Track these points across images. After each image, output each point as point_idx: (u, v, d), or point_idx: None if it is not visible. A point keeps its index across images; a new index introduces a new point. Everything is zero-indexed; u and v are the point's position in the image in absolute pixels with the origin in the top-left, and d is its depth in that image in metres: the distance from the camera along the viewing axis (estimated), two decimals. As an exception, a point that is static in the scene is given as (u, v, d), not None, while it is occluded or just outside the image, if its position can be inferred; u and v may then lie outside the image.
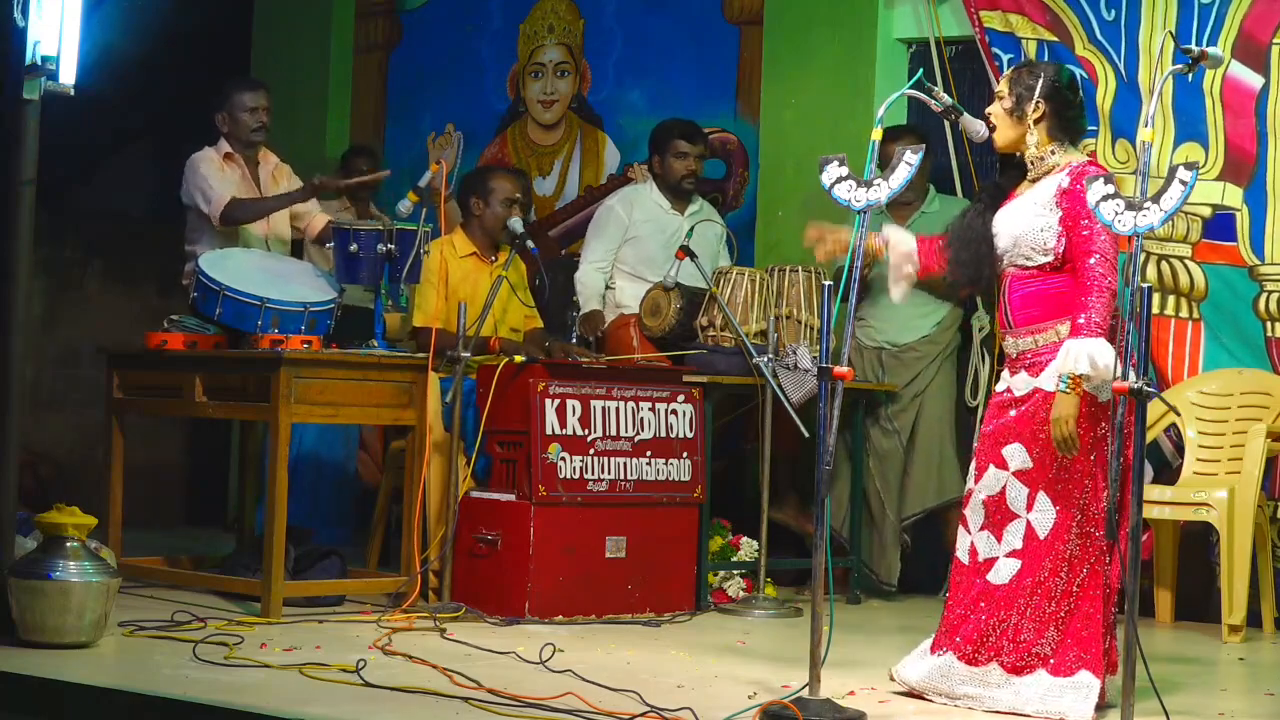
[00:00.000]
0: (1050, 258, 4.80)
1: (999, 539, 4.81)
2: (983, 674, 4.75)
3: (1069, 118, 4.95)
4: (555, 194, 8.66)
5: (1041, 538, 4.73)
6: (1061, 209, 4.79)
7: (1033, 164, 4.94)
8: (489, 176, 7.15)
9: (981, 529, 4.84)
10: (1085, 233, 4.71)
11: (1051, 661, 4.69)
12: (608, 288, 7.47)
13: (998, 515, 4.82)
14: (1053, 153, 4.89)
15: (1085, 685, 4.64)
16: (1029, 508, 4.76)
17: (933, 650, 4.88)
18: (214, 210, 6.63)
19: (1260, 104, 6.73)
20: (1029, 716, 4.65)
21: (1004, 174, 5.14)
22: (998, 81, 7.22)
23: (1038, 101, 4.91)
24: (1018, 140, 4.95)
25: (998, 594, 4.78)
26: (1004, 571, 4.78)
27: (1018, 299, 4.87)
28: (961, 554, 4.89)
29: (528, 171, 8.66)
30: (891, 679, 4.95)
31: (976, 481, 4.87)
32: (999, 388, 4.96)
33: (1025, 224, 4.85)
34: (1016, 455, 4.79)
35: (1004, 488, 4.81)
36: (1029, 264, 4.84)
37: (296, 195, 6.81)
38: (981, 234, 4.98)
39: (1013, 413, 4.83)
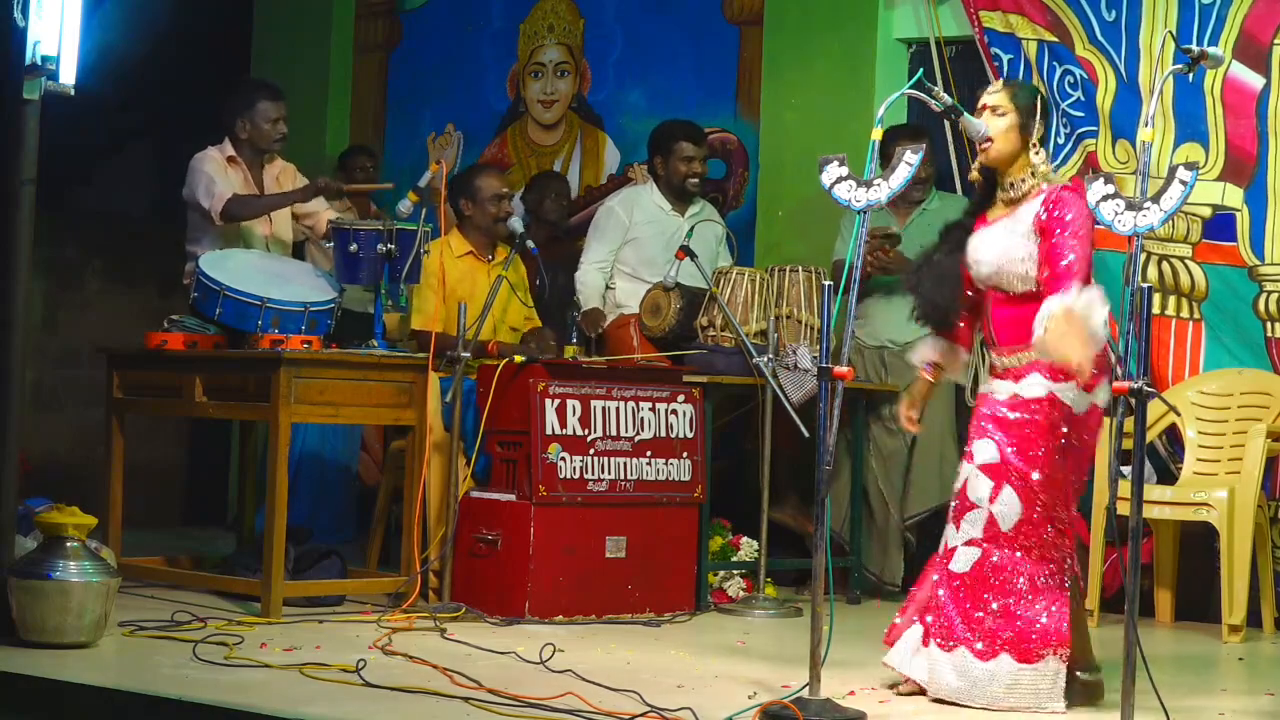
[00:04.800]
0: (1031, 286, 4.88)
1: (958, 529, 4.91)
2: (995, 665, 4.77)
3: (1045, 137, 5.04)
4: (570, 199, 8.63)
5: (1005, 530, 4.83)
6: (1039, 237, 4.86)
7: (1013, 185, 4.97)
8: (474, 176, 7.14)
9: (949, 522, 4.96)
10: (1064, 262, 4.78)
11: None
12: (608, 288, 7.47)
13: (960, 507, 4.92)
14: (1032, 174, 4.95)
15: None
16: (992, 500, 4.84)
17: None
18: (215, 205, 6.59)
19: (1261, 104, 6.73)
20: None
21: (981, 196, 5.09)
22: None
23: (1039, 122, 4.96)
24: (1014, 156, 4.96)
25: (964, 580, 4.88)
26: (964, 559, 4.87)
27: (1001, 321, 4.96)
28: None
29: (528, 171, 8.66)
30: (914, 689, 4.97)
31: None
32: (983, 389, 5.04)
33: (1007, 254, 4.90)
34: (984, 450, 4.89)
35: (965, 481, 4.91)
36: (1011, 291, 4.92)
37: (297, 195, 6.79)
38: (954, 277, 5.02)
39: (998, 412, 4.88)
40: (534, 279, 7.21)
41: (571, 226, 8.32)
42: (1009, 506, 4.81)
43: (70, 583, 5.03)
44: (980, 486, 4.85)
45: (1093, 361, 4.70)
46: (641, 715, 4.36)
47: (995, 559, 4.83)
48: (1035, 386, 4.82)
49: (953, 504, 4.95)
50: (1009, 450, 4.82)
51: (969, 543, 4.86)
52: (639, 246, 7.41)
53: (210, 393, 6.24)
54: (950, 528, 4.94)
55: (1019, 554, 4.82)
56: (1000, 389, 4.91)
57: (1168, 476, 6.83)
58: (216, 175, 6.67)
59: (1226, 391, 6.75)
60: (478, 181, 7.07)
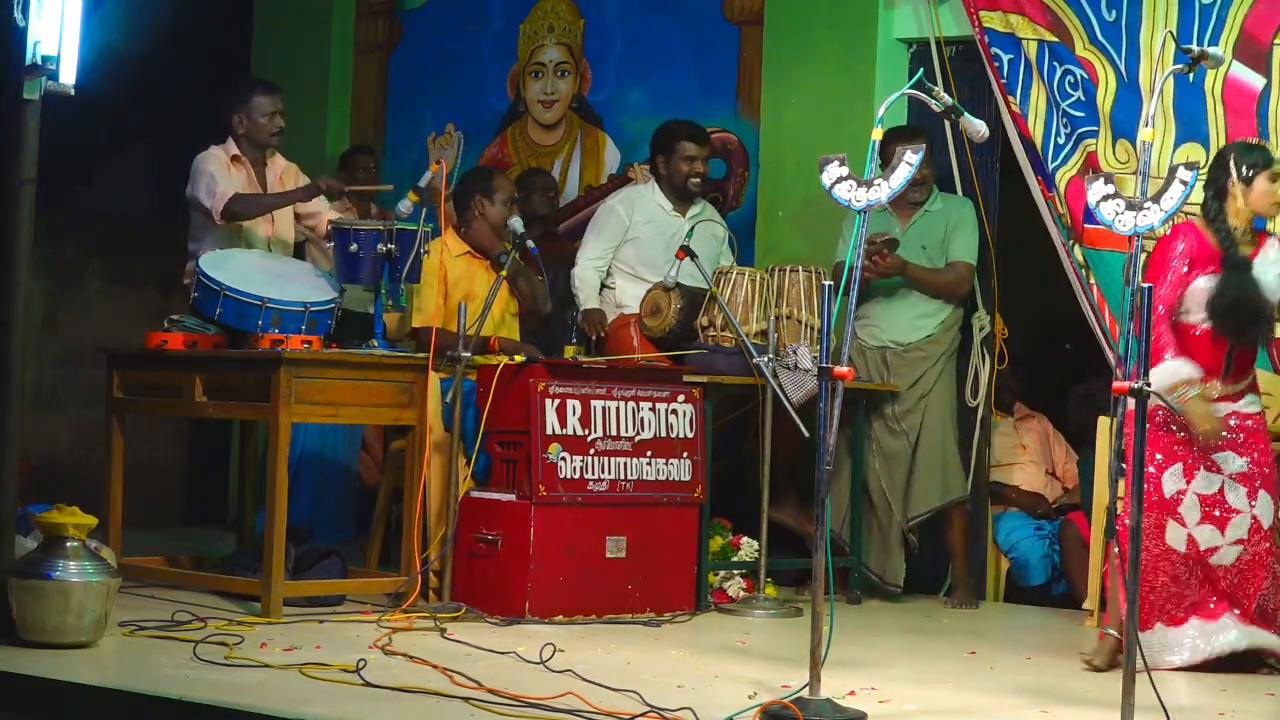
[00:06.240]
0: None
1: (1222, 532, 5.56)
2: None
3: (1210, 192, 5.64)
4: (557, 193, 8.64)
5: (1267, 526, 5.58)
6: None
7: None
8: (492, 177, 7.16)
9: (1201, 524, 5.54)
10: None
11: None
12: (607, 287, 7.46)
13: (1215, 513, 5.56)
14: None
15: None
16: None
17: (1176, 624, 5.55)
18: (216, 204, 6.59)
19: (1261, 104, 6.72)
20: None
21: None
22: (997, 82, 7.27)
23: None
24: None
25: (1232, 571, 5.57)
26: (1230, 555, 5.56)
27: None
28: (1178, 544, 5.55)
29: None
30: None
31: (1188, 482, 5.55)
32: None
33: None
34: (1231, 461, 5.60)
35: (1220, 488, 5.54)
36: None
37: (298, 194, 6.79)
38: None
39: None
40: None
41: (569, 228, 8.33)
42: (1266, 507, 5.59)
43: (70, 583, 5.03)
44: (1238, 494, 5.58)
45: None
46: (641, 715, 4.36)
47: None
48: (1256, 404, 5.63)
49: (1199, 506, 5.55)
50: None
51: (1237, 542, 5.58)
52: (639, 246, 7.40)
53: (210, 393, 6.24)
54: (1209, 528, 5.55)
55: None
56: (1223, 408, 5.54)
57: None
58: (219, 174, 6.66)
59: (1227, 391, 6.72)
60: (496, 181, 7.09)
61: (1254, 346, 5.62)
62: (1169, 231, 5.58)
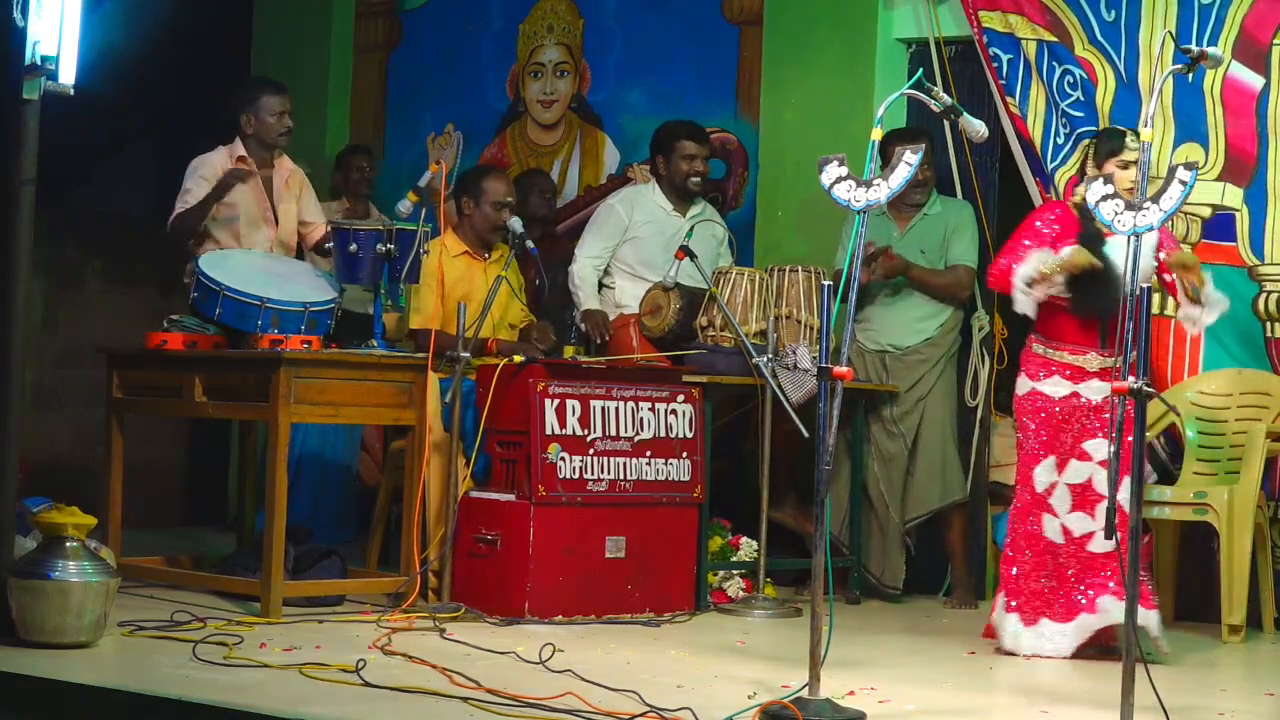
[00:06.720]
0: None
1: (1092, 516, 5.66)
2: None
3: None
4: (555, 194, 8.64)
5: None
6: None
7: None
8: (482, 177, 7.12)
9: (1072, 511, 5.68)
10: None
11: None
12: (606, 287, 7.46)
13: (1088, 497, 5.68)
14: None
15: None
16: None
17: (1071, 618, 5.66)
18: (169, 223, 6.69)
19: (1261, 104, 6.73)
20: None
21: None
22: (995, 82, 7.27)
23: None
24: None
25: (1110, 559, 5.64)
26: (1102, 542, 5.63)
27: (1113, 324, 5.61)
28: (1055, 535, 5.73)
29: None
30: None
31: (1059, 473, 5.73)
32: (1060, 393, 5.73)
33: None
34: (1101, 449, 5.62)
35: (1090, 477, 5.66)
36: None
37: (215, 194, 6.75)
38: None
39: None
40: (534, 279, 7.21)
41: (569, 228, 8.32)
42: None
43: (70, 583, 5.03)
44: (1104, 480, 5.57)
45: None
46: (641, 715, 4.36)
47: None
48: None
49: (1070, 495, 5.70)
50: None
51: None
52: (639, 246, 7.40)
53: (210, 393, 6.24)
54: (1079, 515, 5.70)
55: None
56: (1094, 390, 5.67)
57: (1167, 476, 6.83)
58: (195, 188, 6.69)
59: (1226, 391, 6.75)
60: (485, 183, 7.05)
61: (1112, 317, 5.67)
62: (1041, 204, 5.84)
